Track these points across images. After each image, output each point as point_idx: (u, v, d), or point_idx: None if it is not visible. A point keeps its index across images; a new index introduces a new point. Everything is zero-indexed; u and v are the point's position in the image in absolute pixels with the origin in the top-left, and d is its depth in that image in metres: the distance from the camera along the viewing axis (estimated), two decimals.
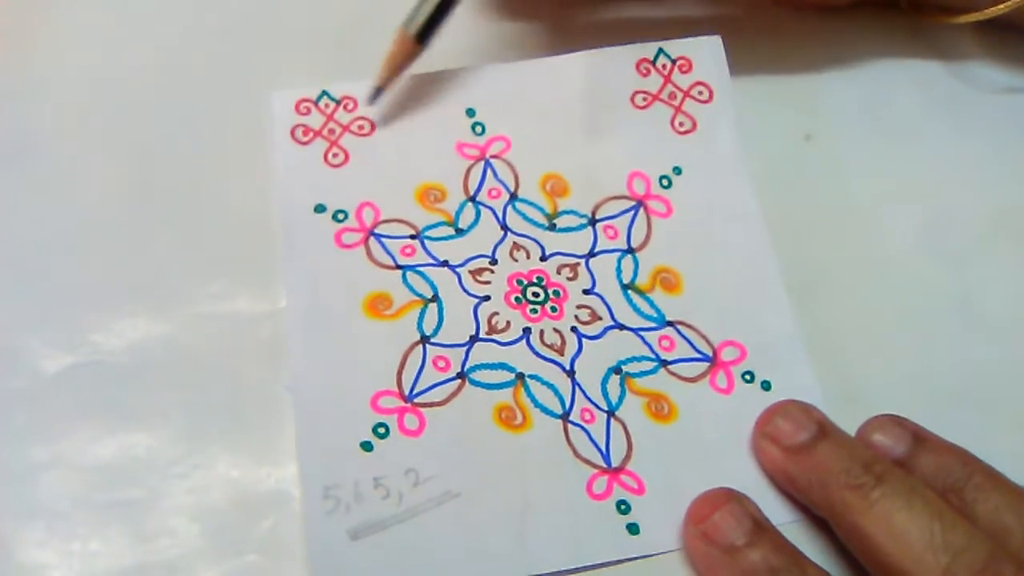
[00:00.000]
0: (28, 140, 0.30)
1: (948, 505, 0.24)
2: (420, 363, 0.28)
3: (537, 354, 0.28)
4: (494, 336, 0.28)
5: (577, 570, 0.26)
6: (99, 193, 0.30)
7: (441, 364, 0.28)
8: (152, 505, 0.26)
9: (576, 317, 0.29)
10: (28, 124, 0.31)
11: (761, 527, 0.25)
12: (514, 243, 0.30)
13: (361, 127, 0.31)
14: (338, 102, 0.31)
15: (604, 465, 0.27)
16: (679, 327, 0.29)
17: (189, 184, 0.30)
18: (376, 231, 0.29)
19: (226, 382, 0.27)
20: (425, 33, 0.29)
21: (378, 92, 0.30)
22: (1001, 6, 0.31)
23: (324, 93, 0.31)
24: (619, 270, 0.30)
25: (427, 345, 0.28)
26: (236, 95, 0.31)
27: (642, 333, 0.29)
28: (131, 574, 0.25)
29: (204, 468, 0.26)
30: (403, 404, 0.27)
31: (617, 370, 0.28)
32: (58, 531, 0.25)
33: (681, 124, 0.32)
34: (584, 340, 0.28)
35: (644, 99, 0.32)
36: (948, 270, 0.31)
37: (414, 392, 0.27)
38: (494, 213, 0.30)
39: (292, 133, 0.30)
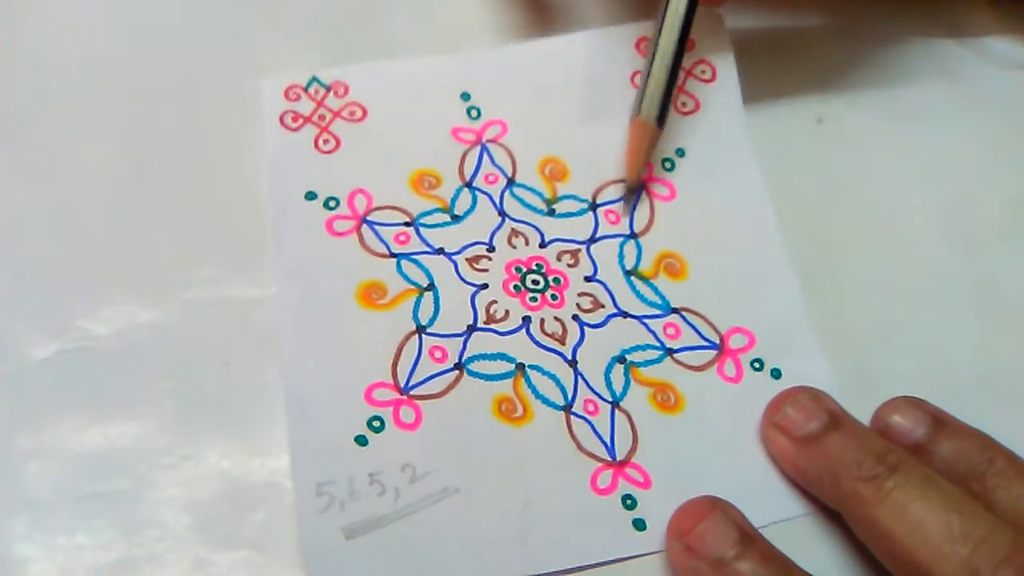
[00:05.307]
0: (15, 125, 0.30)
1: (967, 494, 0.23)
2: (416, 354, 0.27)
3: (537, 344, 0.27)
4: (492, 325, 0.28)
5: (582, 568, 0.25)
6: (89, 178, 0.30)
7: (438, 355, 0.27)
8: (140, 496, 0.25)
9: (577, 305, 0.28)
10: (15, 109, 0.31)
11: (748, 537, 0.24)
12: (512, 229, 0.29)
13: (352, 112, 0.30)
14: (328, 88, 0.31)
15: (609, 458, 0.26)
16: (685, 314, 0.28)
17: (180, 168, 0.30)
18: (369, 218, 0.29)
19: (217, 369, 0.27)
20: (662, 115, 0.29)
21: (633, 190, 0.29)
22: None
23: (314, 79, 0.31)
24: (621, 256, 0.29)
25: (423, 335, 0.27)
26: (227, 81, 0.31)
27: (646, 321, 0.28)
28: (118, 568, 0.24)
29: (194, 458, 0.26)
30: (399, 396, 0.26)
31: (621, 359, 0.27)
32: (42, 523, 0.25)
33: (684, 104, 0.31)
34: (586, 328, 0.28)
35: None
36: (966, 254, 0.30)
37: (410, 384, 0.26)
38: (491, 199, 0.30)
39: (281, 119, 0.30)
